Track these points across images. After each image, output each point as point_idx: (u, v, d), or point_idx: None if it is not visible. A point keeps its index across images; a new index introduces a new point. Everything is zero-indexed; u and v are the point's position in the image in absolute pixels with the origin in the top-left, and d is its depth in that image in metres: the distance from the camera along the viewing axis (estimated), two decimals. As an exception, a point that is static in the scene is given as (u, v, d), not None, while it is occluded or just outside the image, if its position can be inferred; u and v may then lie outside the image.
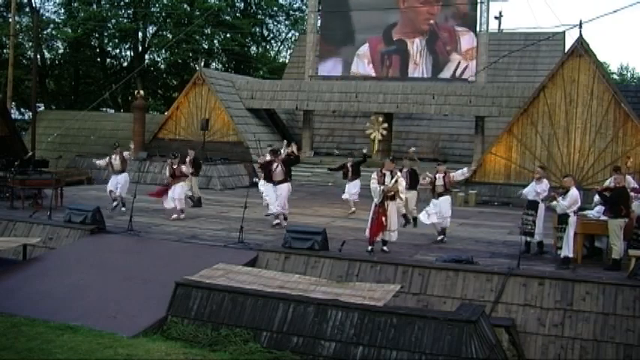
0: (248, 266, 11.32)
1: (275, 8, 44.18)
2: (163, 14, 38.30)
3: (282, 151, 16.92)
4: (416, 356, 8.41)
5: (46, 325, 9.16)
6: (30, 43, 36.70)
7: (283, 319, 9.17)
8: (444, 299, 10.52)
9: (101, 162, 16.74)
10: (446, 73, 26.44)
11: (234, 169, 24.84)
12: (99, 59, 42.16)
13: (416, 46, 26.82)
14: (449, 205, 13.46)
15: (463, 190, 20.91)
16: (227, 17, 40.16)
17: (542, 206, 12.42)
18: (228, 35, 39.88)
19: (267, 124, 29.10)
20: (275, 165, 14.90)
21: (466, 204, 20.43)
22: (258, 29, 44.89)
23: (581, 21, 20.91)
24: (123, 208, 15.97)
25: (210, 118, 26.12)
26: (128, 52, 42.48)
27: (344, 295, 9.54)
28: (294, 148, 18.40)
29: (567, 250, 11.29)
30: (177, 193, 15.40)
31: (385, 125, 26.13)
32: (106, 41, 39.58)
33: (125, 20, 38.30)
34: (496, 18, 37.60)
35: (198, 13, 36.05)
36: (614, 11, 33.25)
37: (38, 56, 33.74)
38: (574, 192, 11.43)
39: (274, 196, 14.86)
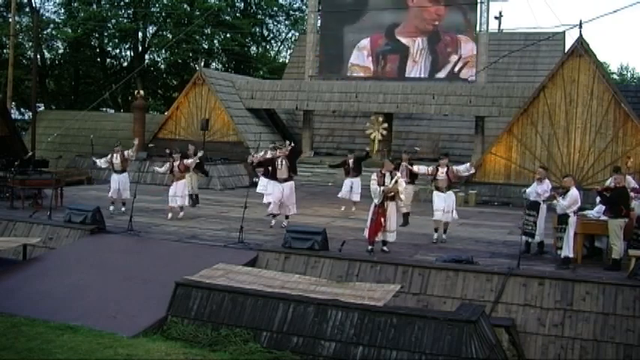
0: (248, 266, 11.32)
1: (275, 8, 44.15)
2: (163, 14, 38.28)
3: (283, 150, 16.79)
4: (416, 356, 8.41)
5: (46, 325, 9.16)
6: (30, 43, 36.68)
7: (283, 319, 9.17)
8: (444, 299, 10.53)
9: (102, 163, 16.61)
10: (443, 73, 26.45)
11: (234, 169, 24.84)
12: (99, 59, 42.15)
13: (417, 44, 26.82)
14: (452, 201, 13.47)
15: (463, 190, 20.90)
16: (227, 17, 40.13)
17: (543, 207, 12.40)
18: (228, 35, 39.86)
19: (267, 124, 29.10)
20: (280, 160, 14.58)
21: (466, 204, 20.41)
22: (258, 29, 44.87)
23: (581, 21, 20.93)
24: (123, 208, 15.96)
25: (210, 118, 26.12)
26: (128, 52, 42.52)
27: (344, 295, 9.54)
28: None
29: (567, 250, 11.29)
30: (180, 190, 15.39)
31: (385, 125, 26.11)
32: (106, 41, 39.56)
33: (125, 20, 38.28)
34: (496, 18, 37.61)
35: (198, 13, 36.03)
36: (614, 11, 33.24)
37: (38, 56, 33.74)
38: (574, 192, 11.43)
39: (279, 195, 14.46)
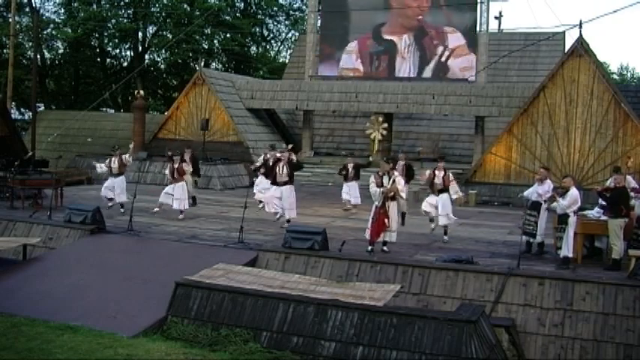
0: (248, 266, 11.32)
1: (275, 8, 44.18)
2: (163, 14, 38.30)
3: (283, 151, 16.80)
4: (416, 356, 8.41)
5: (46, 325, 9.16)
6: (30, 43, 36.70)
7: (283, 319, 9.17)
8: (444, 299, 10.52)
9: (102, 169, 16.65)
10: (432, 65, 26.49)
11: (234, 169, 24.83)
12: (99, 59, 42.17)
13: (404, 41, 26.89)
14: (449, 202, 13.45)
15: (463, 190, 20.87)
16: (227, 17, 40.16)
17: (544, 207, 12.40)
18: (228, 35, 39.87)
19: (267, 124, 29.10)
20: (282, 165, 14.68)
21: (466, 204, 20.41)
22: (258, 29, 44.89)
23: (581, 21, 20.96)
24: (122, 209, 15.99)
25: (210, 118, 26.12)
26: (128, 52, 42.55)
27: (344, 295, 9.54)
28: (293, 156, 18.10)
29: (567, 250, 11.28)
30: (179, 192, 15.41)
31: (385, 125, 26.12)
32: (106, 41, 39.59)
33: (125, 20, 38.30)
34: (496, 18, 37.68)
35: (198, 13, 36.05)
36: (614, 11, 33.22)
37: (38, 56, 33.74)
38: (574, 192, 11.42)
39: (272, 194, 14.60)
